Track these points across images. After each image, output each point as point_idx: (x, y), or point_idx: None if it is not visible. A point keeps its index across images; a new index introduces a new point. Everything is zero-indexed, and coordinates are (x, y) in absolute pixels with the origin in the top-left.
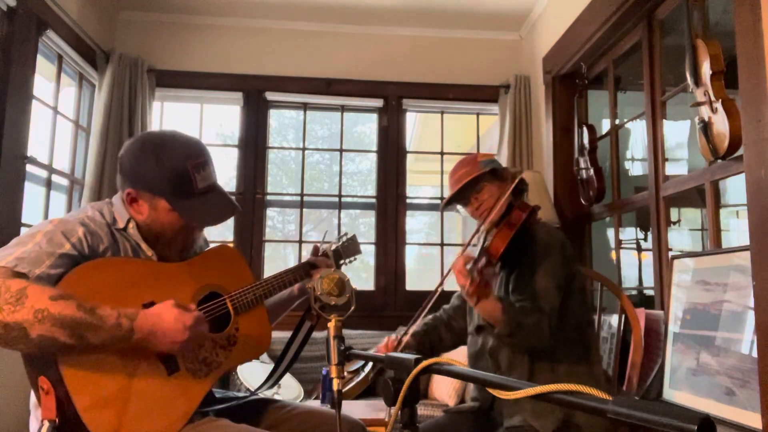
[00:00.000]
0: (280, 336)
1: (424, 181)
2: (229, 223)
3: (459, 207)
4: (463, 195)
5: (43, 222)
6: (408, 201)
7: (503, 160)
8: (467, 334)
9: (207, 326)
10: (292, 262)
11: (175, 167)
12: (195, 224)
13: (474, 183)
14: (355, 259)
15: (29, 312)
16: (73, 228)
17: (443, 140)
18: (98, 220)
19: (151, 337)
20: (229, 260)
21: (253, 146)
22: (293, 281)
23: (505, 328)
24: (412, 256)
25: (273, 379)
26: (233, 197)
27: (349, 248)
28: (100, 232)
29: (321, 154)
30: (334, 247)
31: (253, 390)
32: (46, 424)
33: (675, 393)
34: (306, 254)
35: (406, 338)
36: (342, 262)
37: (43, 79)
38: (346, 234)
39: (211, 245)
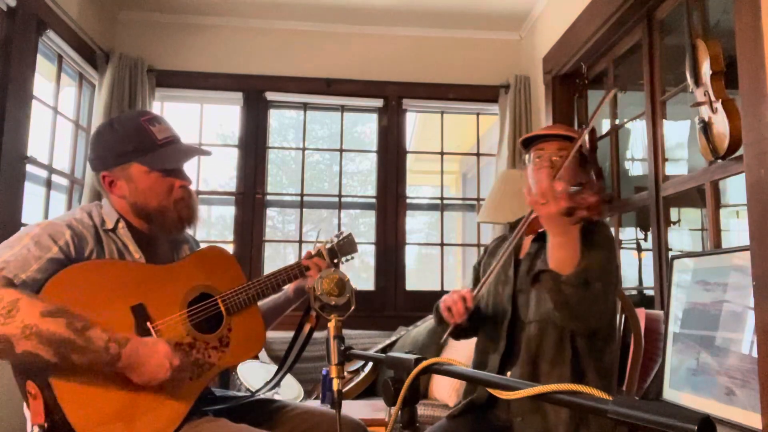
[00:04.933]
0: (281, 336)
1: (424, 181)
2: (230, 223)
3: (528, 155)
4: (547, 141)
5: (30, 225)
6: (408, 201)
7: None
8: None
9: (187, 374)
10: (292, 262)
11: (129, 127)
12: (168, 168)
13: (568, 139)
14: (351, 257)
15: (18, 327)
16: (61, 230)
17: (443, 140)
18: (86, 222)
19: (136, 367)
20: (220, 261)
21: (253, 146)
22: (286, 281)
23: (575, 278)
24: (412, 256)
25: (273, 382)
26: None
27: (344, 247)
28: (86, 233)
29: (321, 154)
30: (329, 245)
31: (253, 391)
32: (36, 429)
33: (675, 393)
34: None
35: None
36: (337, 261)
37: (43, 79)
38: (342, 232)
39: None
